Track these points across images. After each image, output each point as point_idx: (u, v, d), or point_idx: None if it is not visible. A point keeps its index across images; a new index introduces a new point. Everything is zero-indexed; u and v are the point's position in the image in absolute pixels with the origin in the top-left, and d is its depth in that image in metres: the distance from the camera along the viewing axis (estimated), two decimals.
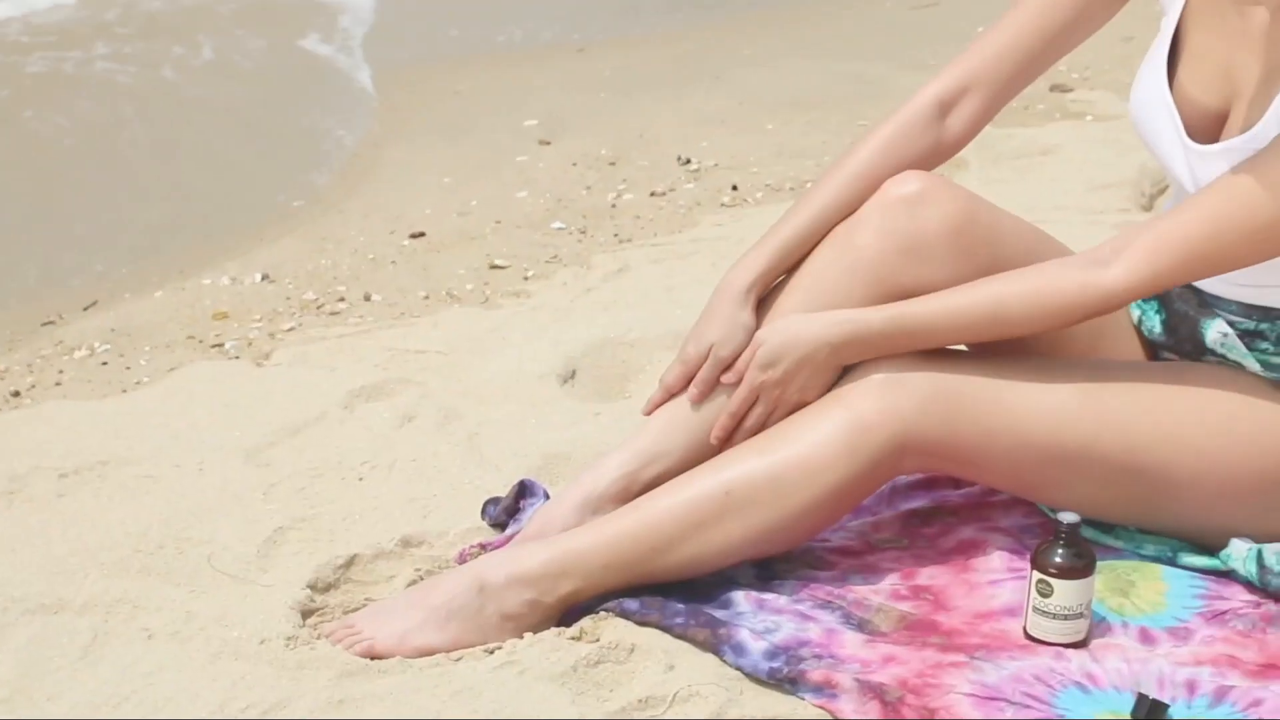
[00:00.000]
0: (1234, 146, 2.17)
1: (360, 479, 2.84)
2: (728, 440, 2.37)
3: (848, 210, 2.39)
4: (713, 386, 2.38)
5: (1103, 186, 4.39)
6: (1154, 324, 2.43)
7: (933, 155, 2.44)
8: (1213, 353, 2.33)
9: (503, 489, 2.73)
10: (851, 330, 2.27)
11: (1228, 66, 2.24)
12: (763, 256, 2.40)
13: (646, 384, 3.25)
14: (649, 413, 2.43)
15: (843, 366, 2.31)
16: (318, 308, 3.94)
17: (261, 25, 7.04)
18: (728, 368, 2.36)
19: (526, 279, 4.05)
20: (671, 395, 2.41)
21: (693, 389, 2.39)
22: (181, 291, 4.11)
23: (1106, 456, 2.24)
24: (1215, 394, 2.26)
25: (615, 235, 4.36)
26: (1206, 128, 2.25)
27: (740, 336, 2.36)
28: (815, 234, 2.40)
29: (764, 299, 2.41)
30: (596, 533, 2.27)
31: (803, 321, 2.30)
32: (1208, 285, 2.33)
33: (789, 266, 2.41)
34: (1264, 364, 2.29)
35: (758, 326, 2.36)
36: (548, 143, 5.29)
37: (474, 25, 7.12)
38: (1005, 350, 2.35)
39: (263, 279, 4.15)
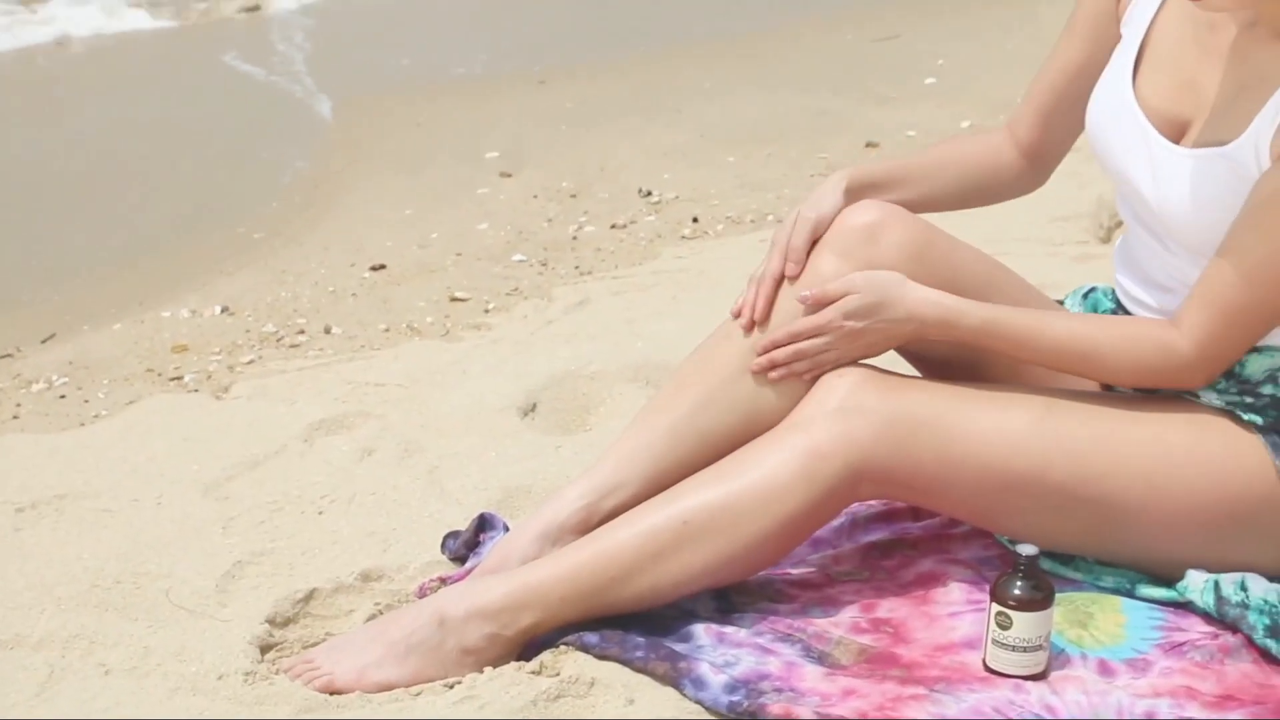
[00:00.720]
0: (1206, 155, 2.18)
1: (320, 512, 2.83)
2: (769, 366, 2.36)
3: (941, 178, 2.54)
4: (804, 256, 2.39)
5: (1062, 218, 4.41)
6: None
7: (1007, 185, 2.62)
8: None
9: (463, 522, 2.72)
10: (946, 316, 2.29)
11: (1192, 79, 2.25)
12: (871, 167, 2.51)
13: (608, 416, 3.25)
14: (736, 312, 2.42)
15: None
16: (277, 340, 3.93)
17: (216, 53, 7.03)
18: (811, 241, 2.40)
19: (487, 311, 4.05)
20: (767, 284, 2.40)
21: (789, 263, 2.39)
22: (140, 324, 4.09)
23: (1060, 484, 2.25)
24: (1168, 425, 2.27)
25: (576, 267, 4.37)
26: (1170, 135, 2.26)
27: (828, 207, 2.41)
28: (914, 179, 2.52)
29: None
30: (555, 565, 2.26)
31: (899, 283, 2.31)
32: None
33: (884, 189, 2.49)
34: (1217, 394, 2.30)
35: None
36: (509, 175, 5.29)
37: (426, 55, 7.12)
38: (961, 377, 2.37)
39: (222, 311, 4.14)
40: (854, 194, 2.44)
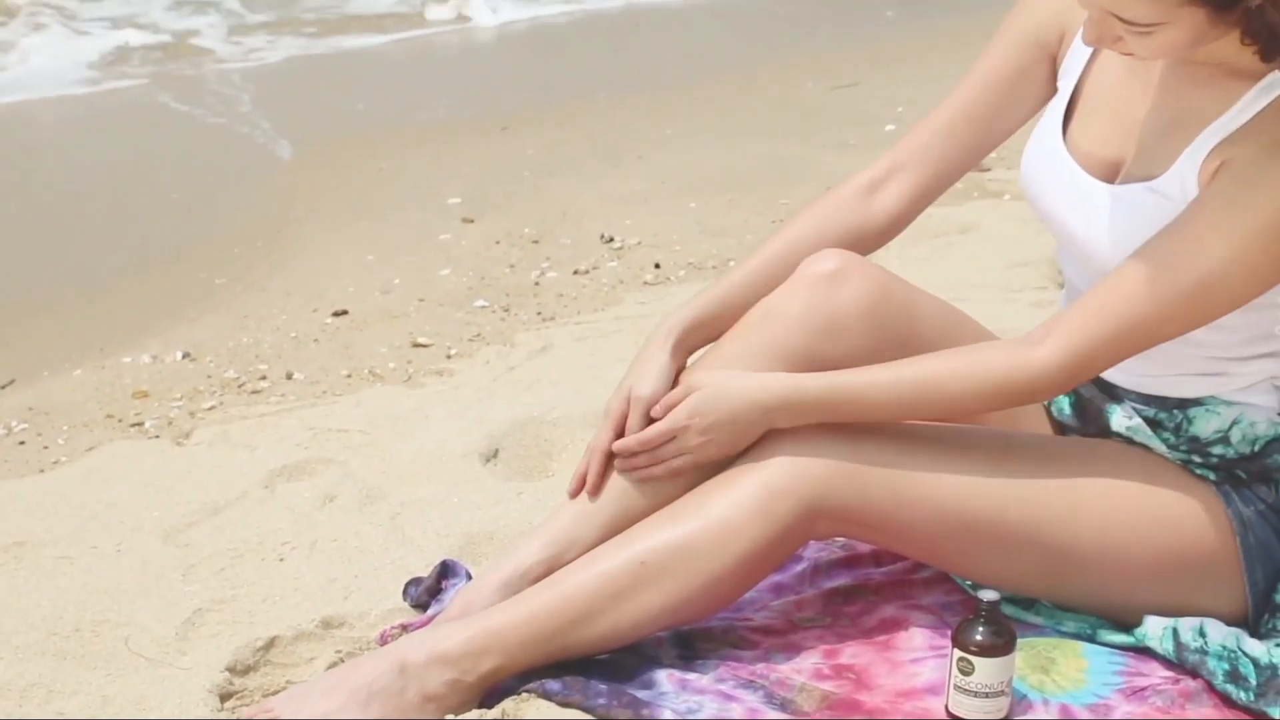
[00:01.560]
0: (1132, 190, 2.19)
1: (281, 559, 2.82)
2: (631, 467, 2.37)
3: (777, 279, 2.42)
4: (639, 430, 2.37)
5: (1020, 264, 4.44)
6: (1063, 405, 2.46)
7: (860, 232, 2.49)
8: (1120, 436, 2.36)
9: (425, 569, 2.72)
10: (785, 395, 2.27)
11: (1124, 119, 2.27)
12: (690, 310, 2.45)
13: (570, 462, 3.25)
14: (574, 487, 2.43)
15: (767, 429, 2.31)
16: (239, 386, 3.92)
17: (175, 101, 7.04)
18: (648, 418, 2.37)
19: (449, 357, 4.04)
20: (598, 458, 2.40)
21: (622, 442, 2.37)
22: (101, 370, 4.07)
23: (1013, 526, 2.26)
24: (1121, 471, 2.29)
25: (538, 313, 4.37)
26: (1101, 176, 2.27)
27: (657, 378, 2.38)
28: (744, 298, 2.44)
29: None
30: (514, 609, 2.26)
31: (738, 378, 2.31)
32: (1109, 375, 2.36)
33: (715, 325, 2.44)
34: (1169, 450, 2.32)
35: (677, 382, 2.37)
36: (471, 220, 5.30)
37: (385, 101, 7.14)
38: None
39: (184, 357, 4.13)
40: (684, 345, 2.44)
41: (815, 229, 2.48)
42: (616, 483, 2.41)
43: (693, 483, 2.34)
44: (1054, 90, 2.40)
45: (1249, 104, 2.11)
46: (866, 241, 2.49)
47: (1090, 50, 2.34)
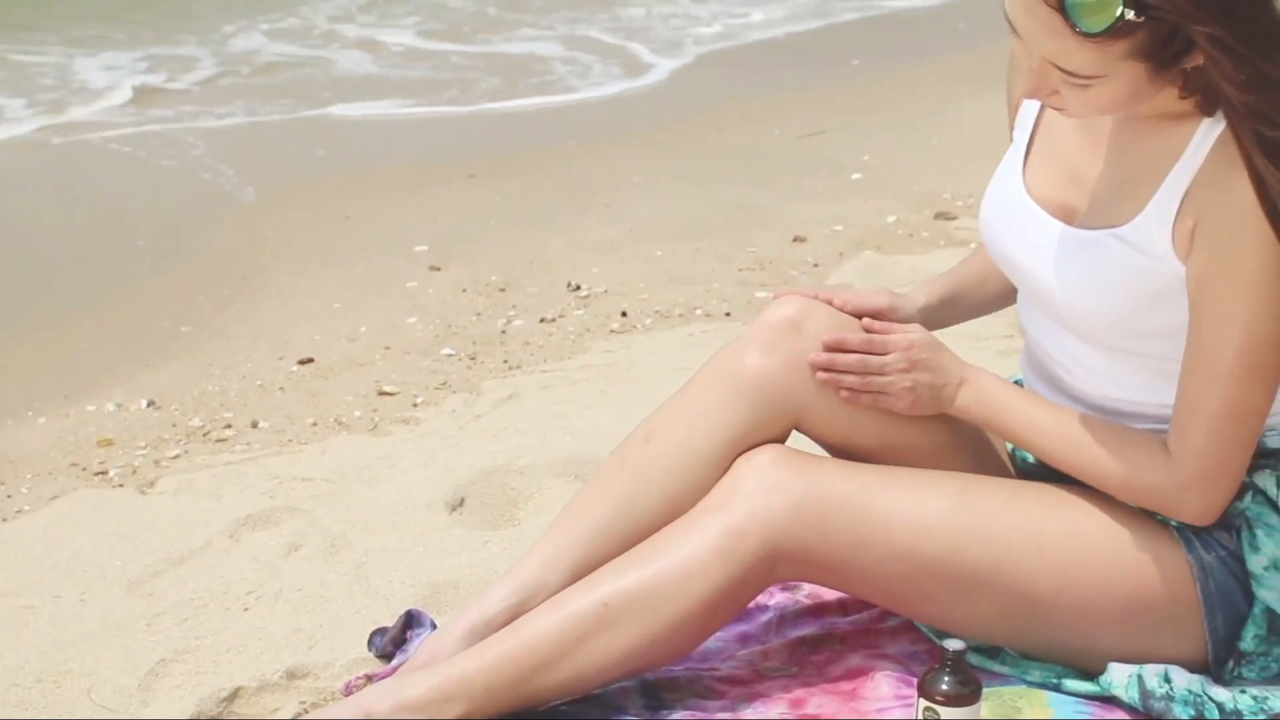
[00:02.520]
0: (1095, 235, 2.20)
1: (245, 609, 2.81)
2: (825, 368, 2.40)
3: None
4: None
5: None
6: (1028, 453, 2.47)
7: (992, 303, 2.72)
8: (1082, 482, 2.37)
9: (390, 619, 2.71)
10: (976, 381, 2.38)
11: (1078, 170, 2.30)
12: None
13: (536, 511, 3.25)
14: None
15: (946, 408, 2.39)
16: (204, 435, 3.90)
17: (137, 148, 7.04)
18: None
19: (415, 406, 4.04)
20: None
21: (842, 335, 2.41)
22: (65, 418, 4.06)
23: (973, 568, 2.26)
24: (1080, 515, 2.29)
25: (505, 362, 4.37)
26: (1059, 219, 2.29)
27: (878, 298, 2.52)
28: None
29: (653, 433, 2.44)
30: (479, 655, 2.26)
31: (950, 353, 2.42)
32: None
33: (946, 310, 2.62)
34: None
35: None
36: (438, 268, 5.30)
37: (354, 148, 7.16)
38: (879, 459, 2.39)
39: (148, 405, 4.11)
40: (925, 310, 2.60)
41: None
42: (583, 531, 2.41)
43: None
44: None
45: (1199, 144, 2.12)
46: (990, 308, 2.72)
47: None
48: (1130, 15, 1.93)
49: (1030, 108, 2.40)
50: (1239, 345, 2.11)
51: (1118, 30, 1.95)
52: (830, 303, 2.46)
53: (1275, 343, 2.12)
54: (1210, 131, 2.10)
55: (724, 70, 8.90)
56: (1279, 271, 2.06)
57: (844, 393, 2.39)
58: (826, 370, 2.39)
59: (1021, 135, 2.40)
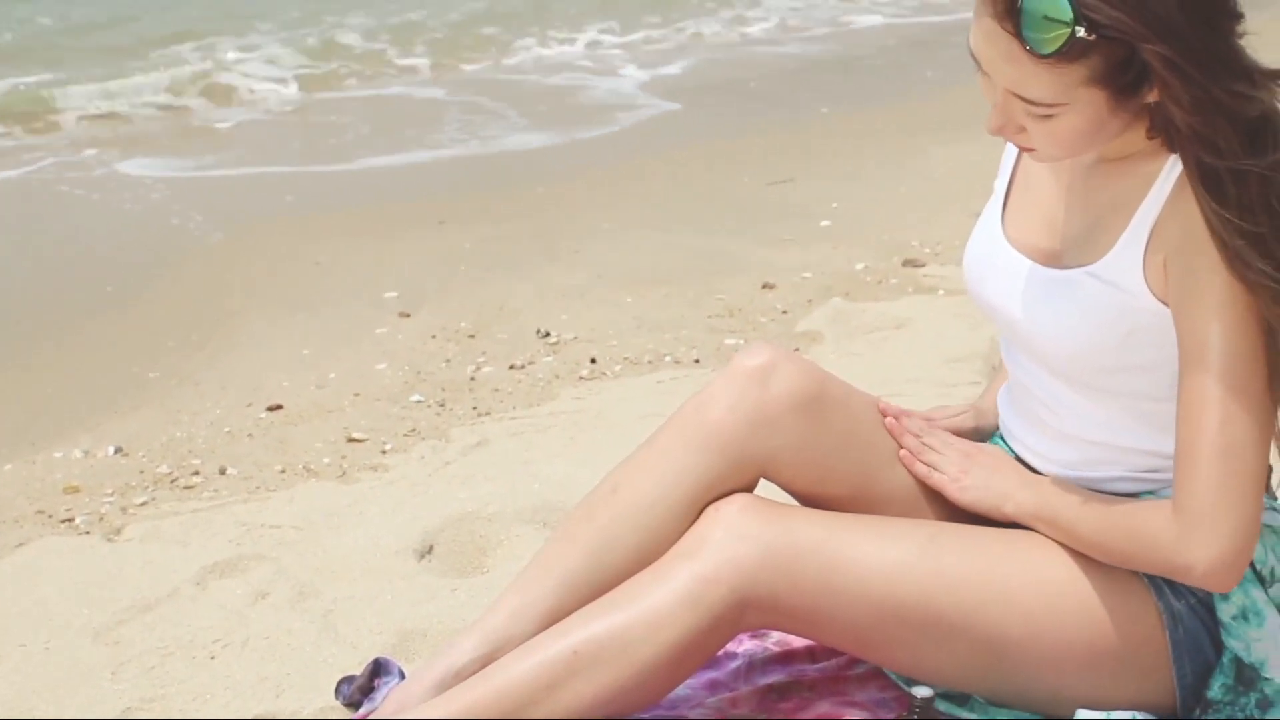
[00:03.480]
0: (1071, 275, 2.22)
1: (212, 657, 2.80)
2: (900, 427, 2.51)
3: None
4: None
5: (955, 359, 4.48)
6: None
7: None
8: None
9: (358, 667, 2.70)
10: (1035, 507, 2.34)
11: (1053, 215, 2.32)
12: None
13: (504, 559, 3.24)
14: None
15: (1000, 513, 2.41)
16: (172, 481, 3.89)
17: (107, 195, 7.04)
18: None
19: (384, 452, 4.03)
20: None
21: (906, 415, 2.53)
22: (32, 465, 4.04)
23: (940, 616, 2.26)
24: (1047, 562, 2.30)
25: (474, 408, 4.37)
26: (1039, 262, 2.31)
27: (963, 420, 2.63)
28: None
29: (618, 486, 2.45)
30: (448, 704, 2.25)
31: (1016, 468, 2.43)
32: (1053, 471, 2.39)
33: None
34: None
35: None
36: (407, 315, 5.30)
37: (321, 194, 7.17)
38: (848, 508, 2.40)
39: (116, 452, 4.10)
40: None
41: None
42: (551, 581, 2.40)
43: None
44: None
45: (1165, 180, 2.15)
46: None
47: (1017, 150, 2.38)
48: (1081, 32, 1.94)
49: (1008, 158, 2.42)
50: (1219, 368, 2.09)
51: (1072, 51, 1.97)
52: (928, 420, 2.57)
53: (1253, 358, 2.09)
54: (1175, 167, 2.13)
55: (694, 116, 8.94)
56: (1239, 299, 2.08)
57: (902, 452, 2.47)
58: (897, 419, 2.49)
59: (1000, 184, 2.43)
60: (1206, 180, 2.02)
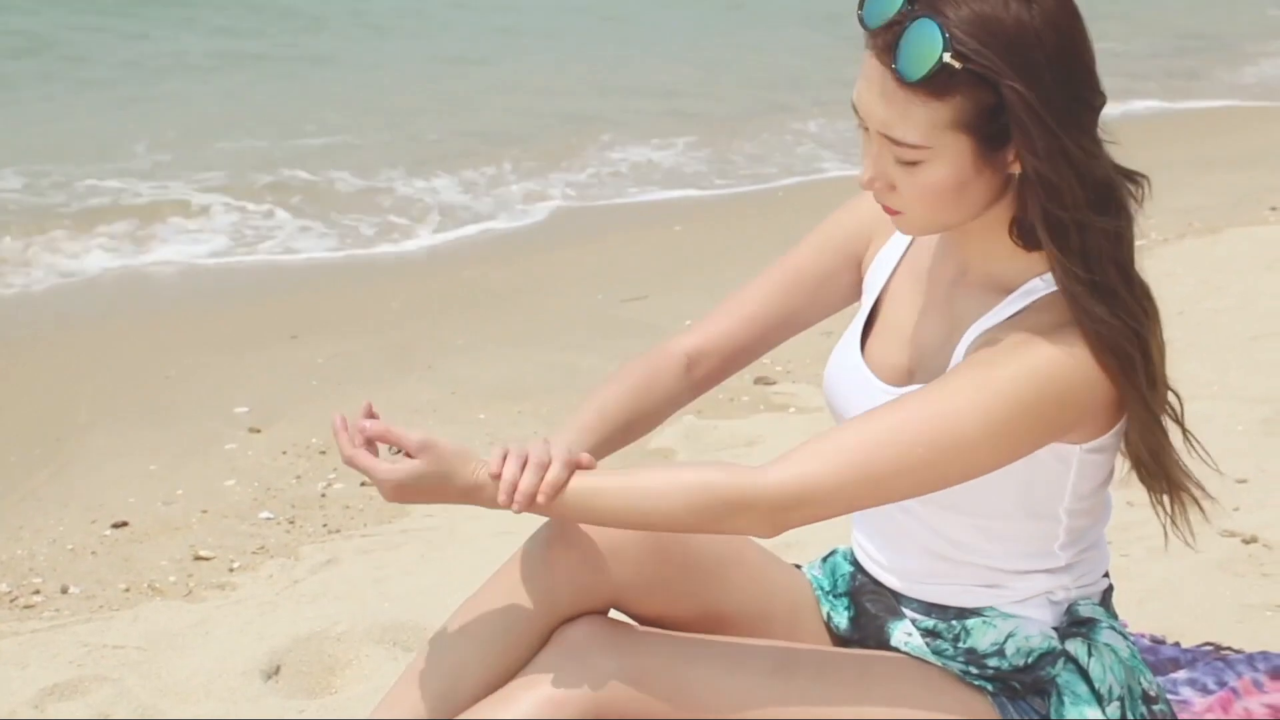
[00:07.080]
0: (912, 391, 2.26)
1: None
2: None
3: (600, 436, 2.43)
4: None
5: None
6: (842, 620, 2.50)
7: (677, 402, 2.59)
8: (898, 650, 2.40)
9: None
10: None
11: (914, 333, 2.37)
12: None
13: (354, 679, 3.21)
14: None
15: None
16: (10, 601, 3.81)
17: None
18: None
19: (232, 570, 3.98)
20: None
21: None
22: None
23: None
24: (900, 684, 2.32)
25: (324, 525, 4.33)
26: (893, 383, 2.35)
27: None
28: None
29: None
30: None
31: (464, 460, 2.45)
32: (894, 584, 2.41)
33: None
34: (948, 660, 2.36)
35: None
36: (258, 430, 5.25)
37: (180, 307, 7.12)
38: (697, 628, 2.38)
39: None
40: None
41: (636, 402, 2.53)
42: (427, 690, 2.35)
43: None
44: (855, 295, 2.49)
45: (1006, 307, 2.22)
46: (676, 407, 2.59)
47: (890, 269, 2.43)
48: (948, 58, 2.02)
49: (879, 274, 2.46)
50: (938, 444, 2.13)
51: (940, 81, 2.04)
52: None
53: (958, 469, 2.15)
54: (1021, 298, 2.18)
55: (548, 233, 8.97)
56: (1018, 416, 2.12)
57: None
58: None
59: (867, 300, 2.46)
60: (1051, 228, 2.10)
